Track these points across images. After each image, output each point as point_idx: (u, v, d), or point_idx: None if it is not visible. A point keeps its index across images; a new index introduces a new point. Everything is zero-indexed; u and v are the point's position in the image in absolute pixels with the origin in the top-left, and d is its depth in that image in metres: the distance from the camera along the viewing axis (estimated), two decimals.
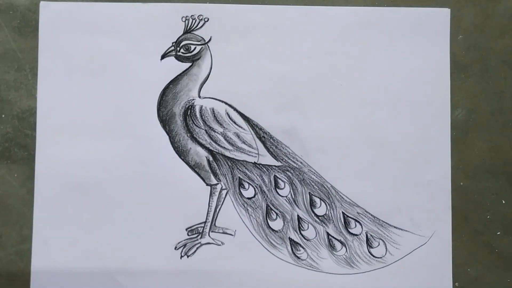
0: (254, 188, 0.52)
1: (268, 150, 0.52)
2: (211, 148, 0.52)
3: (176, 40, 0.52)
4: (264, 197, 0.52)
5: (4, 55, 0.52)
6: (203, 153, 0.52)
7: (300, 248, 0.52)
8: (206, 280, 0.51)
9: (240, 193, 0.52)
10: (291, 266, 0.52)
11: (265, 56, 0.52)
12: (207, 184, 0.52)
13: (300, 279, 0.51)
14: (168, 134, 0.52)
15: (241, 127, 0.52)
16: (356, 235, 0.52)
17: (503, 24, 0.54)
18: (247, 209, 0.52)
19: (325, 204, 0.52)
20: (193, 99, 0.52)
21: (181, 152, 0.52)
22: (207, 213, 0.52)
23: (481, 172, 0.53)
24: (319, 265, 0.52)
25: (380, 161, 0.52)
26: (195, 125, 0.52)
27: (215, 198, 0.52)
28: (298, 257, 0.52)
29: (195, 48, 0.52)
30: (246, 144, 0.52)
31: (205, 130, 0.52)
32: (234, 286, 0.51)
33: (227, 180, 0.52)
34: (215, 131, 0.52)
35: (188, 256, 0.51)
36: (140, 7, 0.52)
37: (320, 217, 0.52)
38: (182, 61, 0.52)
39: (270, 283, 0.51)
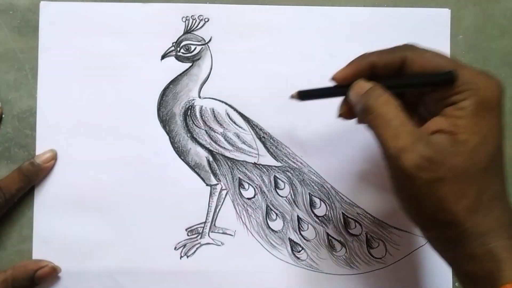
0: (254, 189, 0.52)
1: (268, 151, 0.52)
2: (211, 148, 0.52)
3: (176, 40, 0.52)
4: (264, 197, 0.52)
5: (4, 55, 0.52)
6: (203, 153, 0.52)
7: (300, 249, 0.52)
8: (206, 280, 0.51)
9: (240, 194, 0.52)
10: (291, 266, 0.52)
11: (265, 56, 0.52)
12: (207, 185, 0.52)
13: (300, 279, 0.51)
14: (168, 134, 0.52)
15: (241, 128, 0.52)
16: (356, 235, 0.52)
17: (503, 24, 0.54)
18: (247, 210, 0.52)
19: (325, 204, 0.52)
20: (193, 99, 0.52)
21: (181, 152, 0.52)
22: (207, 214, 0.52)
23: None
24: (319, 266, 0.52)
25: (380, 161, 0.52)
26: (195, 125, 0.52)
27: (215, 198, 0.52)
28: (298, 258, 0.52)
29: (195, 48, 0.52)
30: (246, 145, 0.52)
31: (205, 130, 0.52)
32: (234, 286, 0.51)
33: (227, 181, 0.52)
34: (215, 132, 0.52)
35: (188, 256, 0.51)
36: (140, 7, 0.52)
37: (320, 218, 0.52)
38: (182, 61, 0.52)
39: (270, 283, 0.51)
